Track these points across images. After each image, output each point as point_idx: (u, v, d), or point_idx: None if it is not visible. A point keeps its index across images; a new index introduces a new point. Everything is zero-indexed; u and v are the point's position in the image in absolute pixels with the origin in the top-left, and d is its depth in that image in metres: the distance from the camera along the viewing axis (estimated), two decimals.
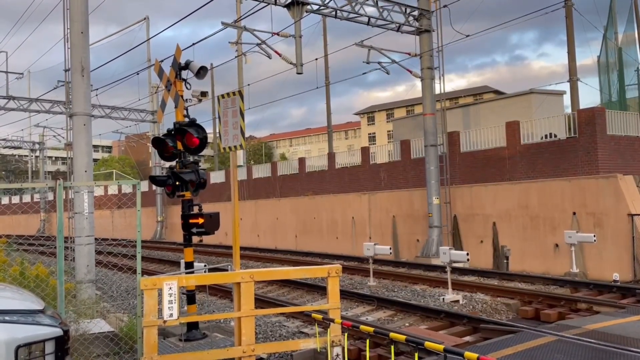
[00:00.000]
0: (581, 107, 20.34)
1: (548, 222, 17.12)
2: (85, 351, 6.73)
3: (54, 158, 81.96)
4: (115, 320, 8.62)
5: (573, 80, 21.38)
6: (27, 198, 55.49)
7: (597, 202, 15.91)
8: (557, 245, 16.63)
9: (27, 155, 56.80)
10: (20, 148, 49.49)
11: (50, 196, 49.13)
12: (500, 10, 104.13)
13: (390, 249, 14.19)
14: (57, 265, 6.55)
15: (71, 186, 9.14)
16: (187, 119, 7.87)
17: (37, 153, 49.43)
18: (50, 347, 4.30)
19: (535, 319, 10.36)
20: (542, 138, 18.56)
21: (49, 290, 7.87)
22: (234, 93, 6.68)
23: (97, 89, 27.41)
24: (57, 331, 4.40)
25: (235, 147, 6.98)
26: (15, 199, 57.31)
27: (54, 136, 42.24)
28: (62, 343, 4.39)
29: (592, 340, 6.94)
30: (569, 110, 23.17)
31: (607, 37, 23.53)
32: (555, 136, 18.27)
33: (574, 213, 16.44)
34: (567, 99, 23.36)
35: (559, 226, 16.65)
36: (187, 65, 8.07)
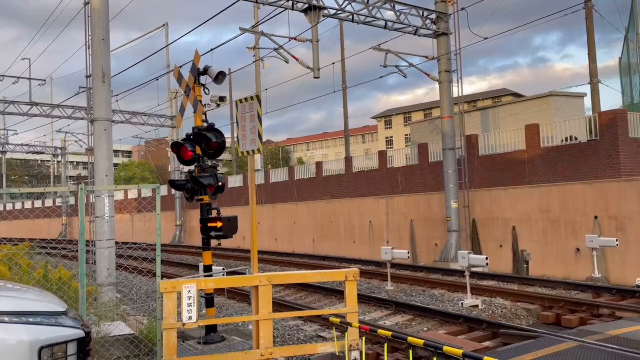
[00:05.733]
0: (602, 109, 20.06)
1: (569, 225, 16.88)
2: (105, 353, 6.82)
3: (75, 163, 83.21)
4: (135, 323, 8.72)
5: (594, 82, 21.09)
6: (49, 202, 56.45)
7: (619, 206, 15.65)
8: (578, 249, 16.39)
9: (49, 160, 57.75)
10: (42, 153, 50.36)
11: (72, 200, 49.88)
12: (522, 11, 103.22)
13: (408, 253, 14.11)
14: (78, 269, 6.65)
15: (92, 190, 9.28)
16: (205, 124, 7.94)
17: (59, 158, 50.25)
18: (72, 349, 4.35)
19: (556, 324, 10.21)
20: (562, 141, 18.33)
21: (70, 292, 7.99)
22: (251, 98, 6.74)
23: (117, 95, 27.85)
24: (79, 332, 4.45)
25: (252, 151, 7.04)
26: (38, 203, 58.32)
27: (75, 141, 42.95)
28: (84, 344, 4.44)
29: (614, 346, 6.82)
30: (589, 113, 22.84)
31: (629, 38, 23.17)
32: (576, 139, 18.02)
33: (596, 217, 16.19)
34: (587, 101, 23.05)
35: (580, 230, 16.41)
36: (205, 71, 8.16)
